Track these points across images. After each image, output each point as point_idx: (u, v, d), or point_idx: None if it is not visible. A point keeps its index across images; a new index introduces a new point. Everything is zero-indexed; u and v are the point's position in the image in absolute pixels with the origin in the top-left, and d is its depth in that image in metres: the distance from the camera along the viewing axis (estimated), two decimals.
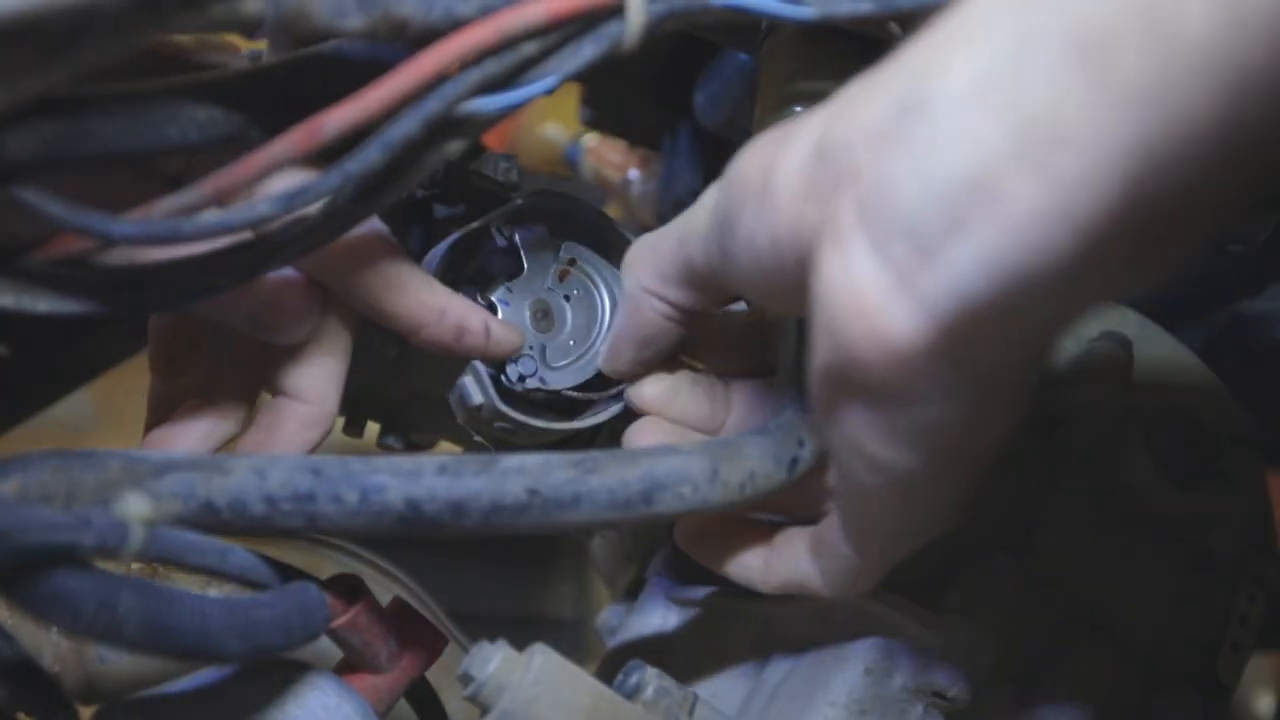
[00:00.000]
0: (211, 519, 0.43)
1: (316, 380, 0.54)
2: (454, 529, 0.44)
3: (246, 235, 0.47)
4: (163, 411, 0.57)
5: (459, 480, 0.44)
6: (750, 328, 0.57)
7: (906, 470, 0.40)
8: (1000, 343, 0.36)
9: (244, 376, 0.56)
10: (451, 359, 0.55)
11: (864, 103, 0.37)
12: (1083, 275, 0.34)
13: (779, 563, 0.52)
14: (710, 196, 0.46)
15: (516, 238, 0.58)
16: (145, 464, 0.43)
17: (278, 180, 0.45)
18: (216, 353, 0.57)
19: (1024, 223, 0.33)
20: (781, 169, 0.40)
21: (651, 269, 0.51)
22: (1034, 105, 0.32)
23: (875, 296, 0.36)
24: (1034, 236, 0.33)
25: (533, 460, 0.46)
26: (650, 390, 0.55)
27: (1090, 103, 0.32)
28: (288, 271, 0.52)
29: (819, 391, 0.41)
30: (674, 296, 0.51)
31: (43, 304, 0.44)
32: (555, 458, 0.46)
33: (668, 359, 0.55)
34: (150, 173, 0.48)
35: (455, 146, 0.45)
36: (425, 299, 0.53)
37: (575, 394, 0.58)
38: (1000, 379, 0.38)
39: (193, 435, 0.55)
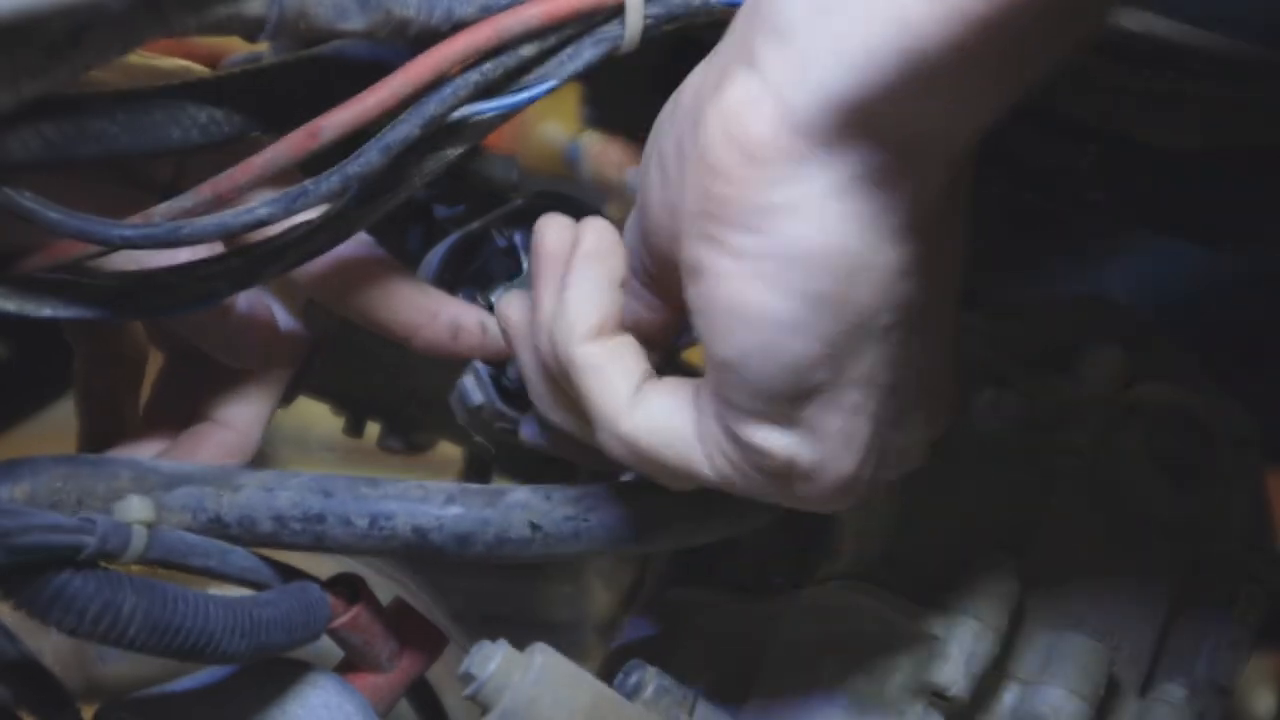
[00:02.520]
0: (220, 533, 0.45)
1: (247, 410, 0.54)
2: (458, 559, 0.47)
3: (246, 239, 0.47)
4: (94, 447, 0.56)
5: (467, 512, 0.46)
6: None
7: (780, 321, 0.37)
8: (870, 152, 0.35)
9: (186, 403, 0.56)
10: (452, 360, 0.55)
11: None
12: (949, 68, 0.33)
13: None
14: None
15: (516, 238, 0.58)
16: (156, 474, 0.44)
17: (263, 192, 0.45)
18: (168, 379, 0.57)
19: (879, 6, 0.33)
20: (688, 85, 0.40)
21: None
22: None
23: (740, 104, 0.36)
24: (888, 12, 0.33)
25: (537, 495, 0.48)
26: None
27: None
28: (256, 296, 0.52)
29: (686, 246, 0.38)
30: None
31: (46, 309, 0.44)
32: (558, 494, 0.48)
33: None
34: (143, 182, 0.48)
35: (455, 150, 0.46)
36: (417, 302, 0.53)
37: None
38: (882, 203, 0.36)
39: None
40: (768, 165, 0.35)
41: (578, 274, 0.44)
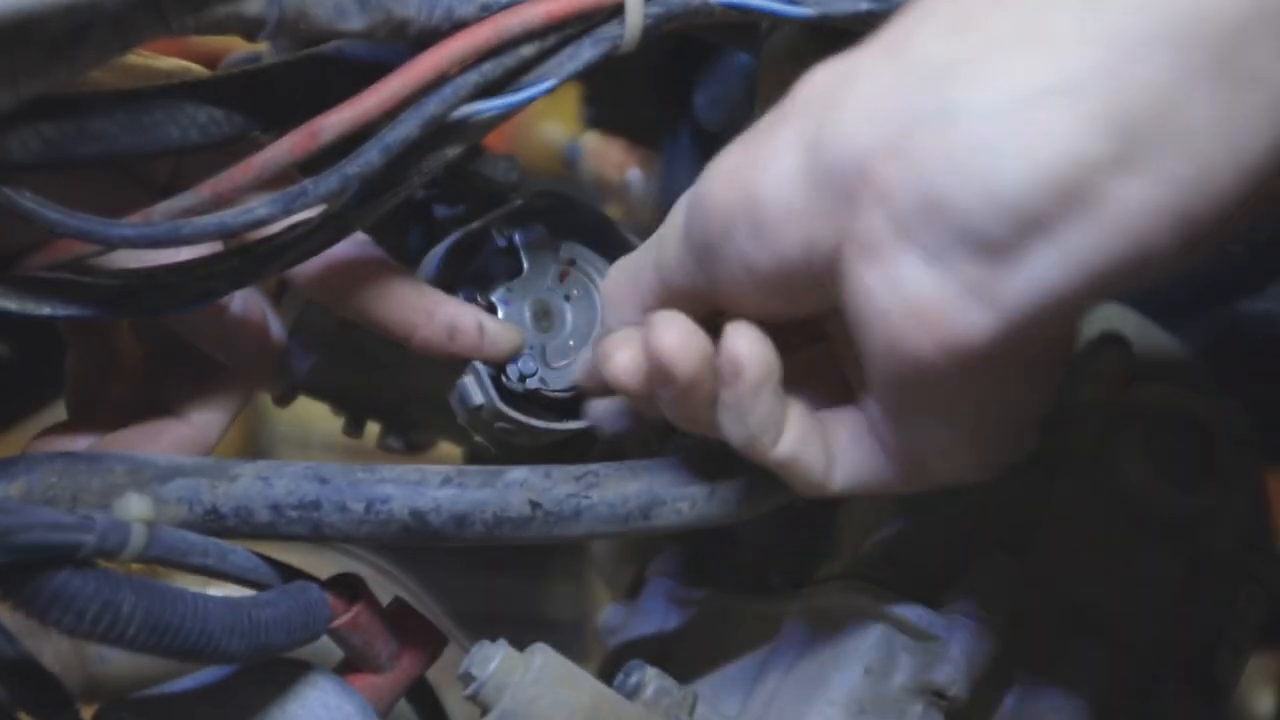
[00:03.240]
0: (216, 525, 0.44)
1: (210, 411, 0.54)
2: (458, 540, 0.46)
3: (246, 239, 0.47)
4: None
5: (464, 492, 0.46)
6: None
7: (976, 445, 0.42)
8: (1071, 319, 0.38)
9: (153, 396, 0.55)
10: (451, 360, 0.55)
11: (859, 110, 0.37)
12: (1181, 255, 0.34)
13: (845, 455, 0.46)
14: (678, 223, 0.44)
15: (516, 238, 0.58)
16: (151, 468, 0.44)
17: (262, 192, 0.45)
18: (139, 371, 0.57)
19: (1125, 223, 0.33)
20: (768, 189, 0.39)
21: (634, 305, 0.48)
22: (1141, 106, 0.32)
23: (941, 306, 0.36)
24: (1135, 235, 0.33)
25: (536, 474, 0.47)
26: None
27: (1216, 101, 0.32)
28: (250, 295, 0.52)
29: (886, 402, 0.42)
30: None
31: (46, 308, 0.44)
32: (558, 471, 0.47)
33: None
34: (142, 181, 0.48)
35: (455, 150, 0.46)
36: (413, 302, 0.53)
37: (576, 394, 0.58)
38: (1058, 344, 0.40)
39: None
40: (983, 358, 0.37)
41: (756, 399, 0.43)
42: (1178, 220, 0.33)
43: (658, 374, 0.43)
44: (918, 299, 0.36)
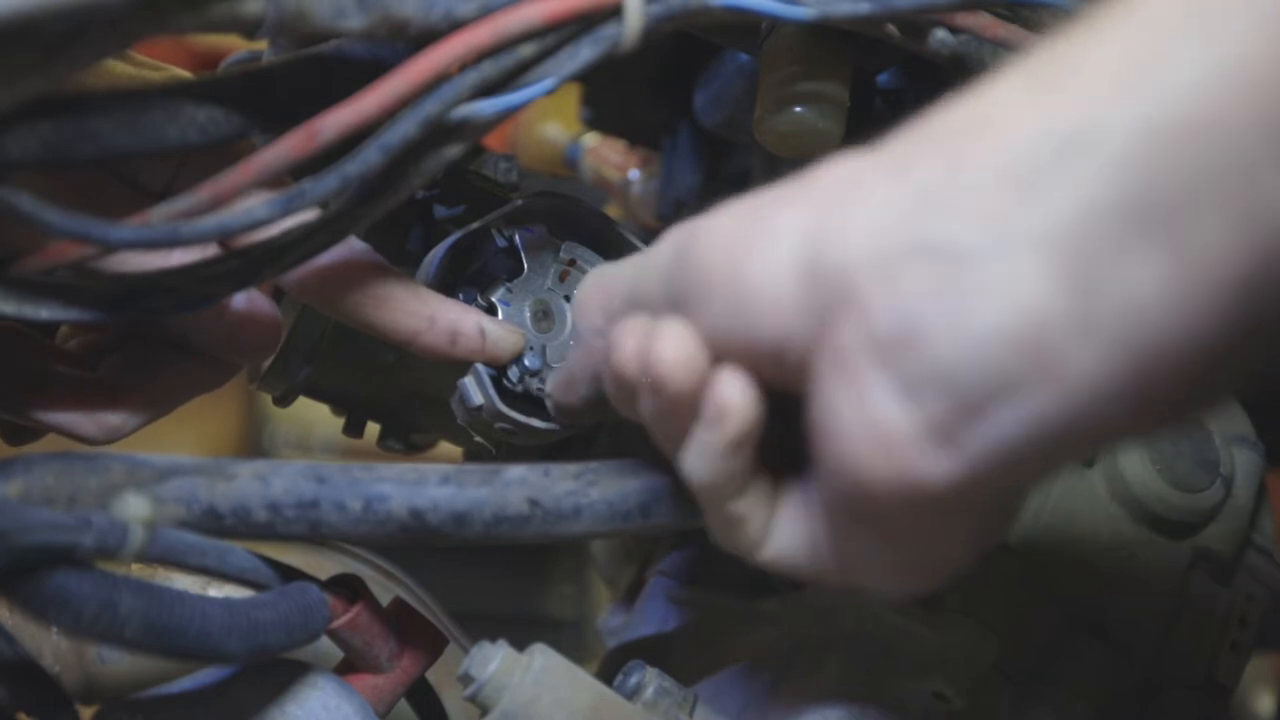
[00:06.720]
0: (214, 524, 0.44)
1: (143, 398, 0.53)
2: (456, 539, 0.46)
3: (244, 240, 0.47)
4: None
5: (462, 491, 0.45)
6: None
7: (902, 572, 0.41)
8: (1033, 477, 0.37)
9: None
10: (453, 363, 0.55)
11: (857, 222, 0.36)
12: (1146, 426, 0.34)
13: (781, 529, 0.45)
14: (662, 259, 0.43)
15: (517, 238, 0.58)
16: (148, 468, 0.44)
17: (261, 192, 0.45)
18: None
19: (1081, 390, 0.32)
20: (756, 271, 0.38)
21: (602, 311, 0.47)
22: (1099, 273, 0.32)
23: (903, 441, 0.35)
24: (1091, 402, 0.32)
25: (535, 472, 0.47)
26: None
27: (1171, 284, 0.31)
28: (257, 295, 0.52)
29: (826, 508, 0.40)
30: None
31: (44, 311, 0.44)
32: (556, 469, 0.47)
33: None
34: (137, 187, 0.48)
35: (454, 150, 0.46)
36: (413, 308, 0.53)
37: None
38: (1013, 496, 0.39)
39: None
40: (931, 500, 0.36)
41: (731, 451, 0.41)
42: (1134, 391, 0.32)
43: (650, 379, 0.41)
44: (883, 427, 0.35)
